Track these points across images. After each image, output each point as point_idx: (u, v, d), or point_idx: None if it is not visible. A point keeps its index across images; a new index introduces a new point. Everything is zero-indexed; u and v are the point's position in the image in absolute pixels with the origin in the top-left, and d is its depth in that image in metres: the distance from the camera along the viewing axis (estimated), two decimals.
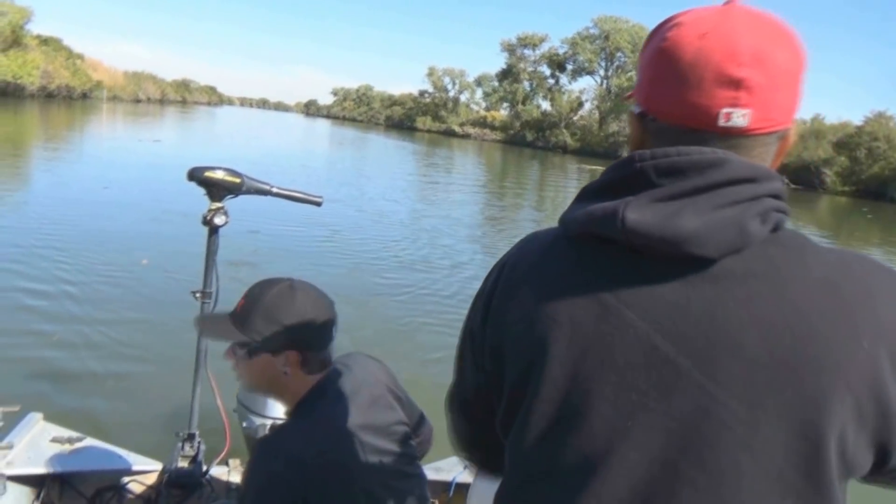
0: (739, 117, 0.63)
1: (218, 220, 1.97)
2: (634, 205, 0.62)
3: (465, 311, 0.82)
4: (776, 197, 0.64)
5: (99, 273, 6.10)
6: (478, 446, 0.87)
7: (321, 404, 1.31)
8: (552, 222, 0.72)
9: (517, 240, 0.79)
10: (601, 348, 0.64)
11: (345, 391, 1.33)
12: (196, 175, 1.93)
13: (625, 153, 0.71)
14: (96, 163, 15.26)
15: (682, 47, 0.65)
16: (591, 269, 0.67)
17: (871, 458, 0.62)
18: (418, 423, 1.52)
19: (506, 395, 0.72)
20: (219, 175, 1.94)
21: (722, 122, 0.63)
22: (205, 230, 2.00)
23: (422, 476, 1.44)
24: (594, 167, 37.57)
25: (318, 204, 2.18)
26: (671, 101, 0.66)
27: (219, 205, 1.97)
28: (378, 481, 1.30)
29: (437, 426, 1.46)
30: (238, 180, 1.97)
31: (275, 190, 2.04)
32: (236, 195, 2.00)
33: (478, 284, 0.81)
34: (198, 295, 2.04)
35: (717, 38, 0.63)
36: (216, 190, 1.96)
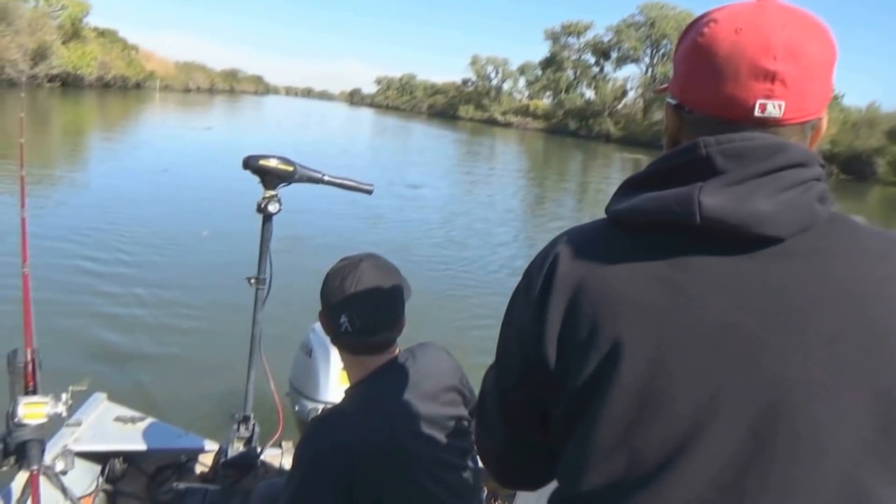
0: (774, 108, 0.67)
1: (272, 208, 2.00)
2: (708, 189, 0.65)
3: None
4: (822, 180, 0.68)
5: (158, 256, 6.37)
6: (511, 453, 0.86)
7: (378, 390, 1.33)
8: (595, 212, 0.80)
9: (557, 227, 0.84)
10: (679, 331, 0.65)
11: (405, 380, 1.33)
12: (251, 163, 1.97)
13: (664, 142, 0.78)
14: (153, 148, 15.98)
15: (718, 42, 0.68)
16: (655, 254, 0.68)
17: None
18: None
19: (570, 391, 0.70)
20: (273, 163, 1.98)
21: (757, 113, 0.67)
22: (258, 215, 2.04)
23: (475, 469, 1.42)
24: (637, 156, 37.08)
25: (369, 192, 2.20)
26: (708, 93, 0.69)
27: (272, 193, 2.01)
28: (426, 472, 1.29)
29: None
30: (291, 168, 2.00)
31: (327, 178, 2.08)
32: (289, 183, 2.03)
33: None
34: (252, 281, 2.09)
35: (751, 32, 0.67)
36: (270, 178, 2.00)
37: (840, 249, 0.66)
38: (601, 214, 0.76)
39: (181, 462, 2.33)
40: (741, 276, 0.65)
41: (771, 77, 0.66)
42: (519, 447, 0.84)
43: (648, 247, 0.69)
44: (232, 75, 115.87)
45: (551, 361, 0.72)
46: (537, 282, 0.75)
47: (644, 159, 35.61)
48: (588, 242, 0.74)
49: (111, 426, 2.32)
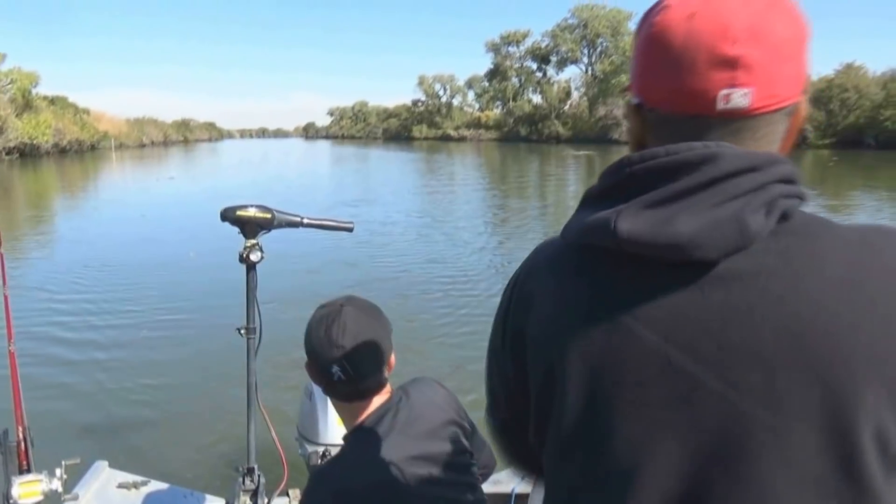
0: (740, 97, 0.60)
1: (254, 257, 2.01)
2: (626, 213, 0.60)
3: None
4: (786, 181, 0.60)
5: (143, 313, 6.32)
6: (526, 461, 0.85)
7: (375, 434, 1.31)
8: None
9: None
10: (613, 365, 0.63)
11: (402, 420, 1.32)
12: (228, 215, 1.99)
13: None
14: (123, 203, 16.32)
15: (671, 31, 0.62)
16: (597, 282, 0.65)
17: None
18: (481, 450, 1.50)
19: (533, 412, 0.72)
20: (251, 213, 1.99)
21: (721, 105, 0.60)
22: (239, 262, 2.04)
23: (482, 501, 1.42)
24: (586, 152, 38.62)
25: (350, 230, 2.21)
26: (666, 89, 0.64)
27: (253, 241, 2.02)
28: None
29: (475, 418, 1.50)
30: (269, 216, 2.01)
31: (306, 221, 2.09)
32: (269, 230, 2.04)
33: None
34: (242, 331, 2.09)
35: (706, 16, 0.61)
36: (250, 227, 2.00)
37: (793, 268, 0.58)
38: (567, 212, 0.73)
39: None
40: (676, 307, 0.61)
41: (732, 64, 0.59)
42: (526, 457, 0.83)
43: (593, 273, 0.66)
44: (184, 125, 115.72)
45: (515, 386, 0.75)
46: (502, 307, 0.77)
47: (594, 154, 37.03)
48: (545, 266, 0.73)
49: (115, 494, 2.29)
